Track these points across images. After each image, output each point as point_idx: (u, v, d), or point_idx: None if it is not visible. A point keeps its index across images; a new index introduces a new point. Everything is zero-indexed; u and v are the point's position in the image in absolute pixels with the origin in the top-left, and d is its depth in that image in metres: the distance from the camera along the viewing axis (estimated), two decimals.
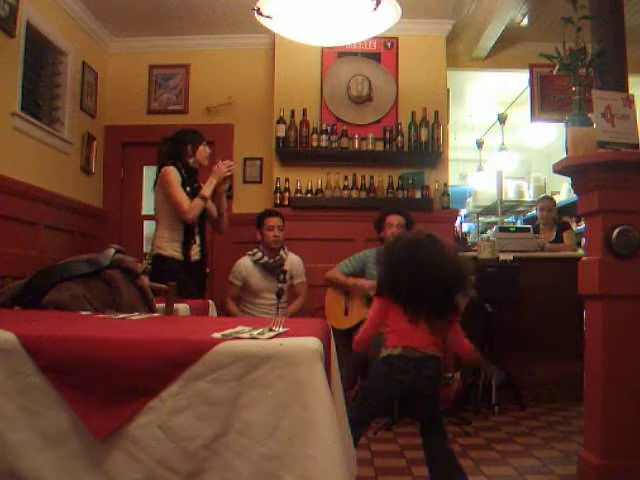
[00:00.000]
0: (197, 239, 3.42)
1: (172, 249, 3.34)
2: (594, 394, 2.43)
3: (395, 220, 3.92)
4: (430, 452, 2.16)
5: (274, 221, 3.88)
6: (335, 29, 3.24)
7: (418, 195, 4.59)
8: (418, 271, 2.11)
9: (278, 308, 3.77)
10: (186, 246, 3.34)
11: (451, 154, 5.09)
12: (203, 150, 3.47)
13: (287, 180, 4.61)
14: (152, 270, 3.32)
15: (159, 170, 3.39)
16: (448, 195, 4.66)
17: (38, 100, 4.06)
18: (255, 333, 1.23)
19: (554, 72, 2.73)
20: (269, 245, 3.87)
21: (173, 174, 3.32)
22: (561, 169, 2.58)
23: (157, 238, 3.41)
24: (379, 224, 3.98)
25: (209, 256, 3.76)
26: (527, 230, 4.70)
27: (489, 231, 6.86)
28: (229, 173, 3.44)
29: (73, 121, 4.33)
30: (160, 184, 3.37)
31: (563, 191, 6.92)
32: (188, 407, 1.13)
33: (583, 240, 4.04)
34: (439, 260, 2.16)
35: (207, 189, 3.36)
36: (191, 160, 3.44)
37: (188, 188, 3.36)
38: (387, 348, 2.18)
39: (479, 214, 7.87)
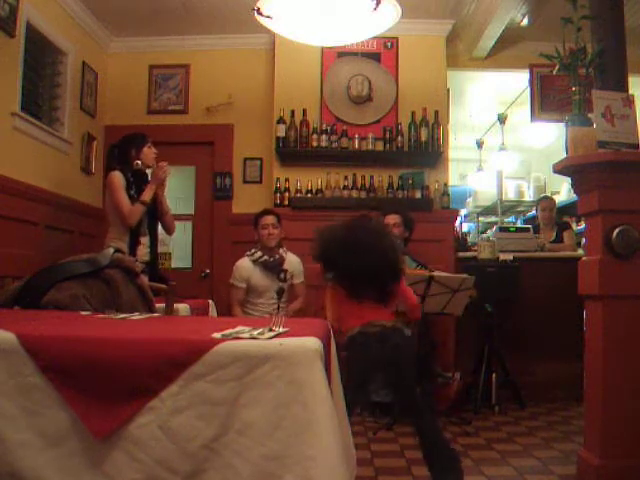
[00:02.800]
0: (144, 240, 3.45)
1: (122, 249, 3.36)
2: (594, 394, 2.43)
3: (392, 220, 3.94)
4: (418, 434, 2.21)
5: (268, 219, 3.90)
6: (335, 29, 3.24)
7: (418, 195, 4.59)
8: (350, 256, 2.20)
9: (279, 307, 3.77)
10: (132, 247, 3.37)
11: (451, 154, 5.09)
12: (148, 152, 3.51)
13: (287, 180, 4.61)
14: None
15: (106, 175, 3.48)
16: (448, 195, 4.66)
17: (38, 100, 4.05)
18: (255, 333, 1.23)
19: (554, 72, 2.73)
20: (264, 243, 3.87)
21: (117, 178, 3.39)
22: (561, 169, 2.58)
23: (108, 238, 3.44)
24: None
25: (205, 258, 3.73)
26: (527, 230, 4.71)
27: (489, 231, 6.86)
28: (164, 175, 3.46)
29: (73, 121, 4.33)
30: (106, 188, 3.47)
31: (563, 191, 6.92)
32: (188, 407, 1.13)
33: (583, 240, 4.04)
34: (369, 243, 2.23)
35: (147, 194, 3.40)
36: (135, 163, 3.48)
37: (132, 192, 3.40)
38: (347, 332, 2.24)
39: (479, 214, 7.87)
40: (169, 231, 3.71)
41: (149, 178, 3.51)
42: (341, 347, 2.25)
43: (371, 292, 2.26)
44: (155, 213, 3.49)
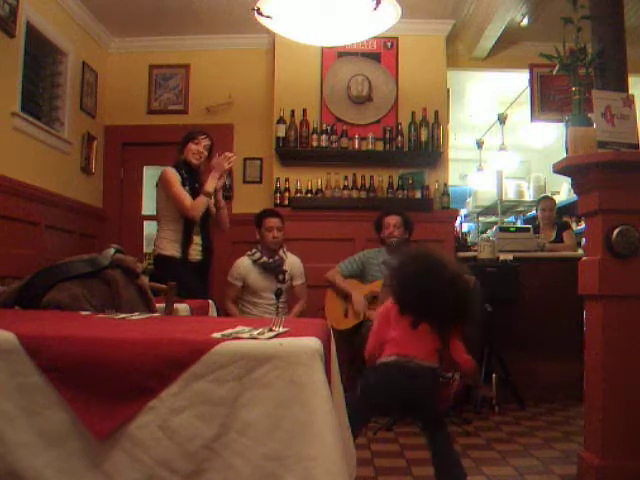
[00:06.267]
0: (197, 239, 3.42)
1: (173, 249, 3.36)
2: (594, 394, 2.43)
3: (392, 220, 3.94)
4: (434, 453, 2.18)
5: (273, 222, 3.87)
6: (335, 29, 3.24)
7: (418, 195, 4.59)
8: (431, 285, 2.10)
9: (278, 308, 3.77)
10: (184, 246, 3.35)
11: (451, 154, 5.09)
12: (191, 148, 3.48)
13: (287, 180, 4.61)
14: (155, 270, 3.34)
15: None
16: (448, 195, 4.66)
17: (38, 100, 4.06)
18: (255, 333, 1.23)
19: (554, 72, 2.73)
20: (268, 246, 3.86)
21: (171, 174, 3.37)
22: (561, 169, 2.58)
23: (158, 239, 3.44)
24: (378, 224, 4.01)
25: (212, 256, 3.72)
26: (527, 230, 4.70)
27: (489, 231, 6.86)
28: (229, 166, 3.44)
29: (73, 121, 4.33)
30: (161, 185, 3.43)
31: (563, 191, 6.93)
32: (188, 407, 1.13)
33: (583, 240, 4.04)
34: (453, 281, 2.13)
35: (209, 185, 3.37)
36: (180, 158, 3.47)
37: (187, 187, 3.38)
38: (382, 357, 2.18)
39: (479, 214, 7.87)
40: (222, 227, 3.65)
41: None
42: (369, 368, 2.24)
43: (434, 319, 2.17)
44: (208, 212, 3.45)
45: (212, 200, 3.48)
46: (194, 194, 3.37)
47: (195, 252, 3.41)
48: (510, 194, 7.44)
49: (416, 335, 2.18)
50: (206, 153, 3.53)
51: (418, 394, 2.17)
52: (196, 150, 3.48)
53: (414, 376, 2.16)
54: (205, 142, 3.51)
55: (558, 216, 5.31)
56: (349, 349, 3.49)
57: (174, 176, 3.36)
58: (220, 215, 3.57)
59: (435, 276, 2.12)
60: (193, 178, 3.46)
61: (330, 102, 4.67)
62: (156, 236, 3.48)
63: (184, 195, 3.33)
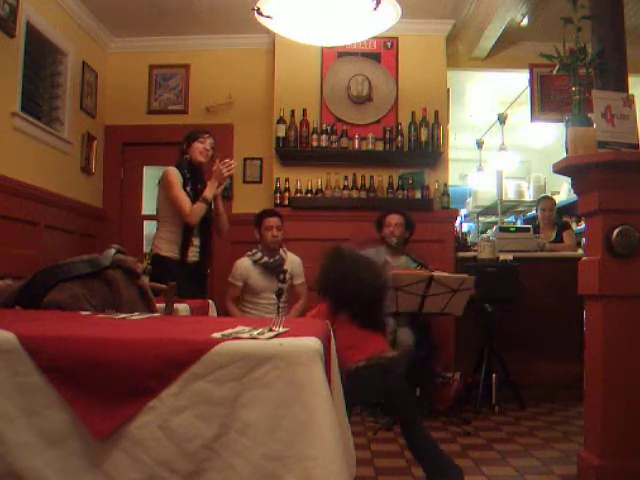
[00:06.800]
0: (195, 241, 3.42)
1: (170, 250, 3.36)
2: (594, 394, 2.43)
3: (394, 219, 3.95)
4: (412, 443, 2.25)
5: (273, 221, 3.87)
6: (335, 29, 3.24)
7: (418, 195, 4.59)
8: (358, 283, 2.25)
9: (278, 308, 3.77)
10: (183, 247, 3.34)
11: (451, 154, 5.09)
12: (197, 147, 3.46)
13: (287, 180, 4.61)
14: (152, 269, 3.33)
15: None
16: (448, 195, 4.66)
17: (38, 100, 4.06)
18: (255, 333, 1.23)
19: (554, 72, 2.73)
20: (267, 245, 3.86)
21: (173, 175, 3.35)
22: (561, 169, 2.58)
23: (156, 238, 3.43)
24: (379, 223, 4.02)
25: (210, 257, 3.72)
26: (527, 230, 4.71)
27: (489, 231, 6.86)
28: (229, 173, 3.42)
29: (73, 121, 4.33)
30: (162, 185, 3.42)
31: (563, 191, 6.93)
32: (188, 407, 1.13)
33: (583, 240, 4.04)
34: (368, 270, 2.31)
35: (208, 192, 3.36)
36: (185, 157, 3.45)
37: (188, 188, 3.36)
38: (352, 363, 2.22)
39: (479, 214, 7.87)
40: (220, 233, 3.62)
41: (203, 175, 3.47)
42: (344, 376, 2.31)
43: (371, 317, 2.29)
44: (208, 213, 3.42)
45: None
46: (196, 195, 3.36)
47: (192, 253, 3.40)
48: (510, 194, 7.44)
49: (365, 333, 2.28)
50: (212, 151, 3.52)
51: (395, 382, 2.28)
52: (203, 148, 3.47)
53: (387, 370, 2.25)
54: (209, 140, 3.51)
55: (558, 216, 5.31)
56: None
57: (176, 177, 3.34)
58: (219, 221, 3.55)
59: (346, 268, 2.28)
60: (196, 178, 3.45)
61: (330, 102, 4.67)
62: (155, 235, 3.48)
63: (184, 199, 3.31)
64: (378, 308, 2.32)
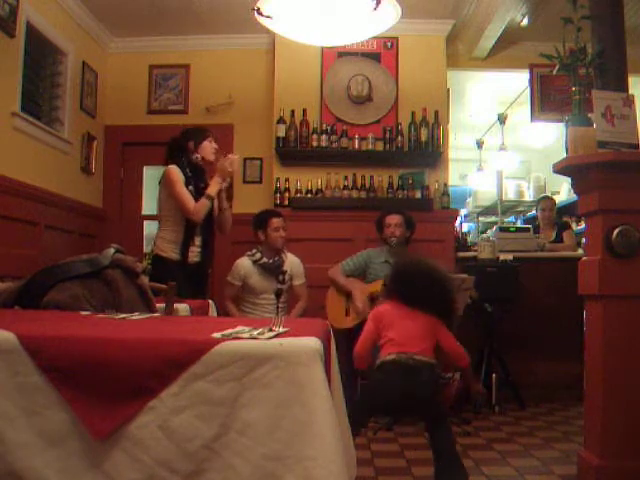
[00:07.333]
0: (197, 240, 3.39)
1: (171, 250, 3.32)
2: (594, 394, 2.43)
3: (393, 220, 3.95)
4: (435, 447, 2.22)
5: (279, 221, 3.86)
6: (335, 29, 3.24)
7: (418, 195, 4.59)
8: (424, 282, 2.45)
9: (278, 308, 3.77)
10: (184, 247, 3.31)
11: (451, 154, 5.09)
12: (208, 146, 3.43)
13: (287, 180, 4.61)
14: (152, 270, 3.31)
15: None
16: (448, 195, 4.66)
17: (38, 100, 4.06)
18: (255, 333, 1.23)
19: (554, 72, 2.73)
20: (275, 245, 3.85)
21: (175, 173, 3.30)
22: (561, 169, 2.58)
23: (158, 238, 3.39)
24: (379, 224, 4.02)
25: (212, 257, 3.70)
26: (527, 230, 4.71)
27: (489, 231, 6.86)
28: (232, 169, 3.38)
29: (73, 121, 4.33)
30: (164, 184, 3.36)
31: (563, 191, 6.93)
32: (188, 407, 1.13)
33: (583, 240, 4.04)
34: (440, 280, 2.49)
35: (212, 188, 3.31)
36: (194, 157, 3.40)
37: (191, 187, 3.32)
38: (382, 356, 2.30)
39: (479, 214, 7.87)
40: (223, 229, 3.57)
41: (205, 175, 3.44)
42: (372, 369, 2.37)
43: (424, 304, 2.43)
44: (211, 211, 3.38)
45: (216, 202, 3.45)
46: (197, 193, 3.33)
47: (193, 254, 3.36)
48: (510, 194, 7.44)
49: (412, 333, 2.33)
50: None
51: (417, 389, 2.24)
52: (212, 147, 3.44)
53: (413, 372, 2.26)
54: (213, 138, 3.49)
55: (558, 216, 5.31)
56: (349, 349, 3.49)
57: (178, 176, 3.29)
58: (223, 217, 3.51)
59: (428, 275, 2.47)
60: (198, 177, 3.42)
61: (330, 102, 4.67)
62: (156, 235, 3.43)
63: (187, 197, 3.27)
64: (444, 300, 2.47)
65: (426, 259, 2.61)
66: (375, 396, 2.29)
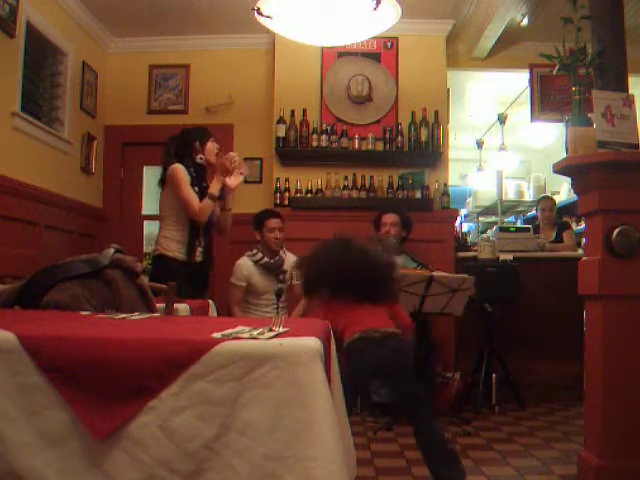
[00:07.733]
0: (202, 240, 3.37)
1: (177, 250, 3.28)
2: (594, 394, 2.43)
3: (389, 219, 3.96)
4: (427, 444, 2.23)
5: (275, 222, 3.85)
6: (335, 29, 3.24)
7: (418, 195, 4.59)
8: (347, 268, 2.35)
9: (278, 308, 3.76)
10: (191, 248, 3.28)
11: (451, 154, 5.09)
12: (211, 146, 3.41)
13: (287, 180, 4.61)
14: (153, 270, 3.29)
15: (165, 169, 3.33)
16: (448, 195, 4.66)
17: (38, 100, 4.06)
18: (255, 333, 1.23)
19: (554, 72, 2.73)
20: (270, 247, 3.84)
21: (182, 173, 3.25)
22: (561, 169, 2.58)
23: (161, 237, 3.33)
24: (376, 223, 4.03)
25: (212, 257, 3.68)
26: (527, 230, 4.71)
27: (489, 231, 6.86)
28: (233, 166, 3.32)
29: (73, 121, 4.33)
30: (169, 183, 3.30)
31: (563, 191, 6.93)
32: (188, 407, 1.13)
33: (583, 240, 4.04)
34: (362, 258, 2.39)
35: (214, 188, 3.27)
36: (199, 157, 3.38)
37: (196, 187, 3.29)
38: (347, 339, 2.30)
39: (479, 214, 7.87)
40: (223, 231, 3.54)
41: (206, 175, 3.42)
42: (342, 355, 2.34)
43: (366, 296, 2.36)
44: (211, 213, 3.35)
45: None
46: (202, 194, 3.29)
47: (197, 253, 3.35)
48: (510, 194, 7.44)
49: (364, 311, 2.34)
50: None
51: (390, 358, 2.27)
52: (215, 148, 3.42)
53: (383, 343, 2.27)
54: (214, 138, 3.48)
55: (558, 216, 5.31)
56: None
57: (184, 175, 3.25)
58: (225, 217, 3.48)
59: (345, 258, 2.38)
60: (201, 177, 3.39)
61: (330, 102, 4.67)
62: (159, 235, 3.38)
63: (193, 197, 3.23)
64: (376, 283, 2.37)
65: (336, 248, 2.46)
66: (353, 377, 2.29)
